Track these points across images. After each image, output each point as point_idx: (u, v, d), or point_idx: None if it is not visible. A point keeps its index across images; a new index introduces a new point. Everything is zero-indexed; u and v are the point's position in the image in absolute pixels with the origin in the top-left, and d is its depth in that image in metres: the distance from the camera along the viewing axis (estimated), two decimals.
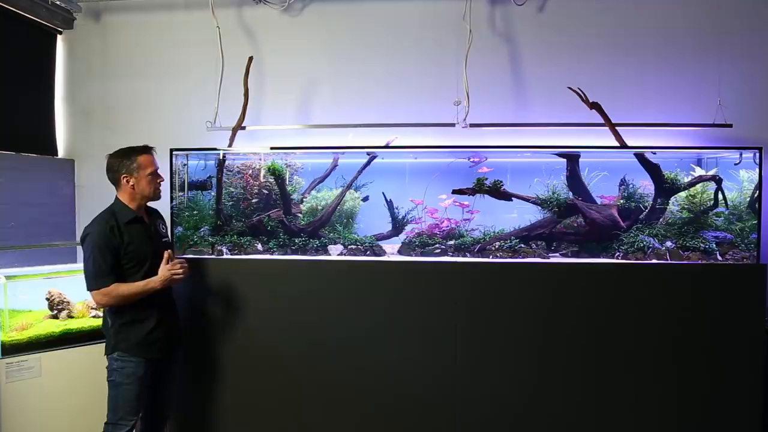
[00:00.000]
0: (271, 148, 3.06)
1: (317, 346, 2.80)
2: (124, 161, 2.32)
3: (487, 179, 2.98)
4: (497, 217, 3.04)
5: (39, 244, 3.17)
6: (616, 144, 2.97)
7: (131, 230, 2.32)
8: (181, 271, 2.33)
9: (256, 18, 3.58)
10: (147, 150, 2.39)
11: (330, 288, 2.81)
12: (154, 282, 2.28)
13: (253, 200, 3.11)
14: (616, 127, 2.98)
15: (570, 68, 3.31)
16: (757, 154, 2.76)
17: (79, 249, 3.56)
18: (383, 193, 3.13)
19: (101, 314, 2.87)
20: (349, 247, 3.00)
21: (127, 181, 2.32)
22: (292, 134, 3.43)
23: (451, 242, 2.99)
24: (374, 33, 3.52)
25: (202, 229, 3.06)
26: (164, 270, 2.30)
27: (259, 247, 3.02)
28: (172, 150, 2.97)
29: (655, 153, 2.90)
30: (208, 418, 2.83)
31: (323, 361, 2.79)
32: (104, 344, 2.36)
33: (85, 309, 2.88)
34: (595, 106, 2.99)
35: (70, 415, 2.72)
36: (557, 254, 2.95)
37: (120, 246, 2.25)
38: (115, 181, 2.35)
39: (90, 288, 2.24)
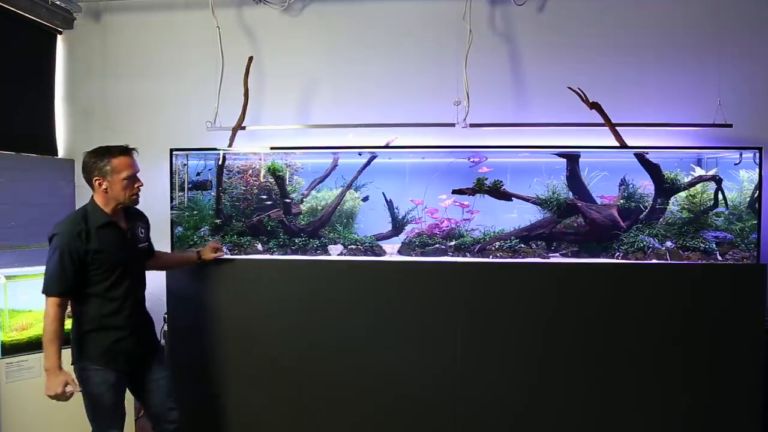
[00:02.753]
0: (271, 148, 3.06)
1: (317, 346, 2.80)
2: (97, 162, 2.12)
3: (487, 179, 2.98)
4: (497, 217, 3.04)
5: (39, 244, 3.16)
6: (616, 144, 2.97)
7: (103, 235, 2.13)
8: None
9: (256, 18, 3.58)
10: (124, 151, 2.16)
11: (330, 288, 2.81)
12: (51, 369, 2.01)
13: (254, 199, 3.11)
14: (616, 127, 2.98)
15: (570, 68, 3.31)
16: (757, 154, 2.76)
17: None
18: (383, 193, 3.13)
19: None
20: (349, 247, 3.00)
21: (100, 185, 2.13)
22: (292, 134, 3.43)
23: (452, 242, 2.99)
24: (374, 33, 3.52)
25: (202, 229, 3.06)
26: (57, 386, 2.01)
27: (259, 247, 3.02)
28: (172, 150, 2.97)
29: (647, 153, 2.90)
30: (206, 418, 2.83)
31: (323, 361, 2.79)
32: None
33: None
34: (595, 106, 2.99)
35: (70, 415, 2.72)
36: (557, 254, 2.95)
37: (87, 252, 2.07)
38: (88, 182, 2.16)
39: (43, 290, 2.06)
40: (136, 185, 2.21)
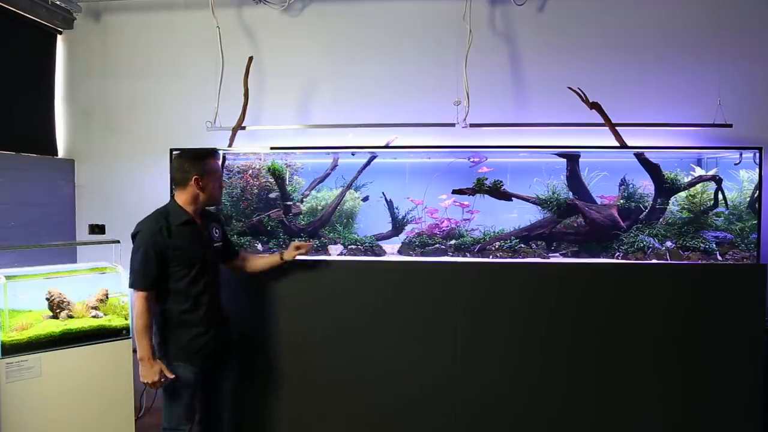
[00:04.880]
0: (271, 148, 3.06)
1: (316, 346, 2.79)
2: (198, 162, 2.27)
3: (487, 179, 2.98)
4: (497, 217, 3.04)
5: (39, 244, 3.16)
6: (616, 144, 2.97)
7: (182, 232, 2.24)
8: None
9: (256, 18, 3.58)
10: (217, 154, 2.37)
11: (330, 288, 2.81)
12: (146, 359, 2.15)
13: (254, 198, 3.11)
14: (616, 127, 2.98)
15: (570, 68, 3.31)
16: (757, 154, 2.76)
17: (80, 249, 3.59)
18: (383, 193, 3.13)
19: (101, 314, 2.88)
20: (349, 247, 3.00)
21: (198, 183, 2.25)
22: (292, 134, 3.43)
23: (452, 242, 2.99)
24: (374, 33, 3.52)
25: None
26: (153, 374, 2.16)
27: (259, 247, 3.02)
28: (172, 150, 2.96)
29: (642, 153, 2.89)
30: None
31: (322, 361, 2.79)
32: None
33: (85, 309, 2.88)
34: (595, 106, 2.99)
35: (70, 415, 2.72)
36: (557, 254, 2.95)
37: (168, 247, 2.19)
38: (184, 182, 2.27)
39: (131, 285, 2.20)
40: (222, 186, 2.40)
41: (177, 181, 2.30)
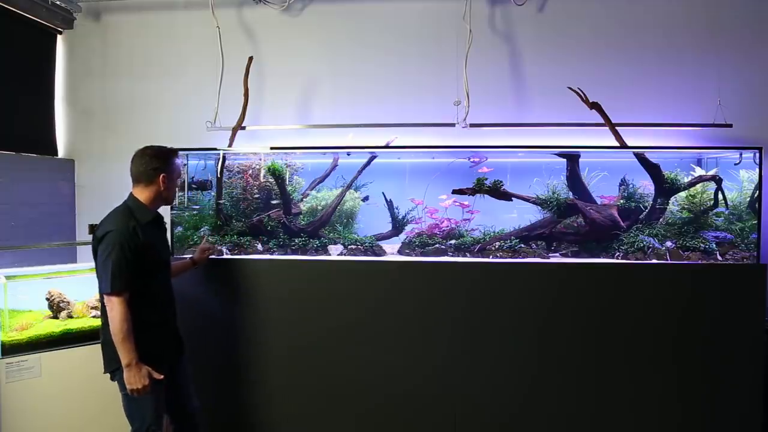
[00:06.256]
0: (271, 148, 3.06)
1: (316, 346, 2.80)
2: (166, 160, 2.22)
3: (487, 179, 2.98)
4: (497, 217, 3.04)
5: (39, 244, 3.16)
6: (616, 144, 2.97)
7: (150, 230, 2.19)
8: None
9: (256, 18, 3.58)
10: (178, 154, 2.34)
11: (330, 288, 2.81)
12: (133, 364, 2.05)
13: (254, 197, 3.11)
14: (616, 127, 2.98)
15: (570, 68, 3.31)
16: (757, 154, 2.76)
17: (80, 249, 3.58)
18: (383, 193, 3.13)
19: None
20: (349, 247, 3.00)
21: (163, 181, 2.21)
22: (292, 134, 3.43)
23: (452, 242, 2.99)
24: (374, 33, 3.52)
25: (202, 229, 3.06)
26: (143, 378, 2.07)
27: (259, 247, 3.02)
28: None
29: (642, 154, 2.89)
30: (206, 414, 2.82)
31: (322, 361, 2.79)
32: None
33: (85, 309, 2.87)
34: (595, 106, 2.99)
35: (70, 415, 2.72)
36: (557, 254, 2.95)
37: (141, 246, 2.09)
38: (150, 178, 2.20)
39: (105, 289, 2.03)
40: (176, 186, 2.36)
41: (141, 178, 2.21)
